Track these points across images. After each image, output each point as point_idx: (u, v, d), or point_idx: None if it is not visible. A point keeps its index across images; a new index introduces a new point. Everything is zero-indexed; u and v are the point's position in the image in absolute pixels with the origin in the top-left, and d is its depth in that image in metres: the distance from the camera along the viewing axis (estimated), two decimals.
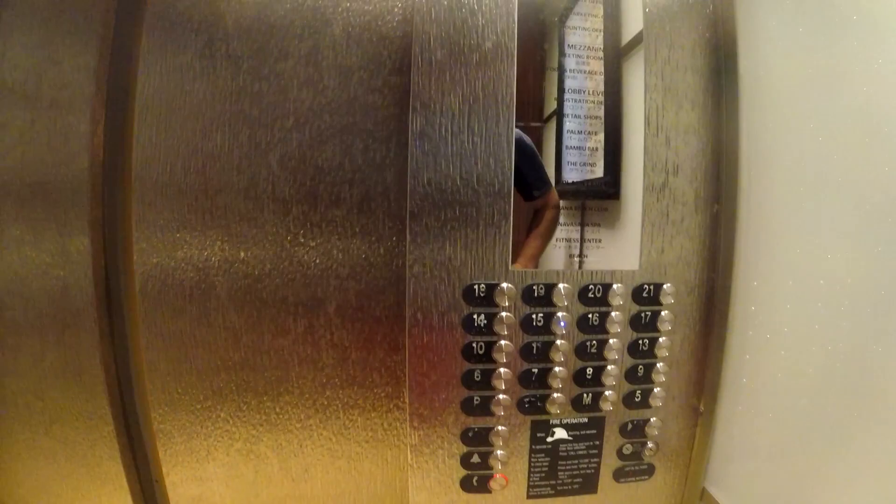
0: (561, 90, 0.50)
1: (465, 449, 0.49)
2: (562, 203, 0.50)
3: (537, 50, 0.49)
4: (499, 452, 0.49)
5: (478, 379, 0.47)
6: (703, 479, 0.54)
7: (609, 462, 0.51)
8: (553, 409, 0.48)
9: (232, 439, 0.51)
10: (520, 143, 0.46)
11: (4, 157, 0.46)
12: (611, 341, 0.48)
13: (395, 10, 0.47)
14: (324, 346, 0.49)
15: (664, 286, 0.48)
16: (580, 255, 0.51)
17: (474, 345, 0.47)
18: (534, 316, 0.47)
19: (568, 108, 0.50)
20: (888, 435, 0.35)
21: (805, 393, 0.42)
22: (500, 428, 0.48)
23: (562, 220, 0.50)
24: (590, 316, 0.47)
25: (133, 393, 0.50)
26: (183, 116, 0.46)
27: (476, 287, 0.46)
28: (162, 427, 0.50)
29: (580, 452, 0.50)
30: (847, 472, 0.38)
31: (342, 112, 0.47)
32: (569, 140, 0.50)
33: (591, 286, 0.47)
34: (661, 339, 0.49)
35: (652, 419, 0.50)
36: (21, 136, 0.46)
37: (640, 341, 0.49)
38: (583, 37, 0.50)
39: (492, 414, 0.48)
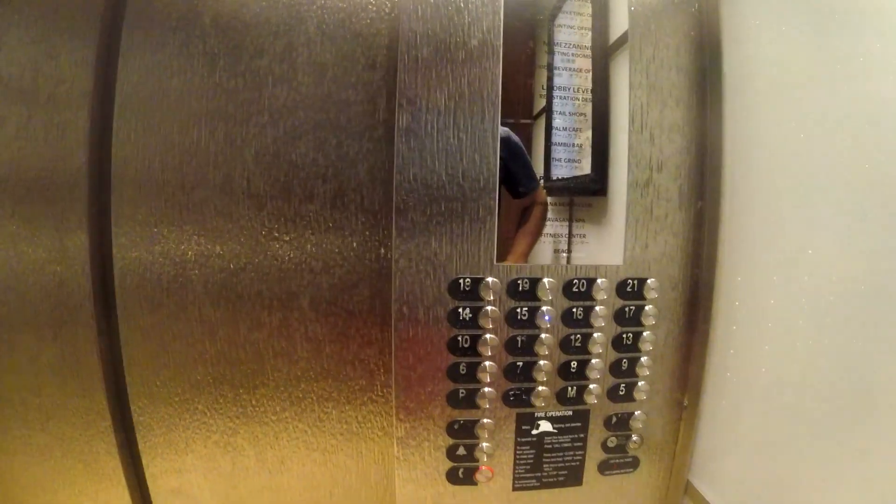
0: (549, 87, 0.50)
1: (450, 441, 0.50)
2: (549, 199, 0.51)
3: (526, 47, 0.50)
4: (484, 445, 0.50)
5: (463, 372, 0.48)
6: (687, 472, 0.54)
7: (594, 455, 0.52)
8: (538, 402, 0.49)
9: (210, 431, 0.51)
10: (507, 142, 0.47)
11: (0, 153, 0.46)
12: (595, 335, 0.48)
13: (370, 6, 0.48)
14: (298, 340, 0.50)
15: (648, 281, 0.49)
16: (567, 251, 0.51)
17: (460, 338, 0.47)
18: (519, 310, 0.48)
19: (556, 105, 0.50)
20: (872, 429, 0.35)
21: (789, 387, 0.43)
22: (485, 420, 0.49)
23: (549, 216, 0.51)
24: (574, 310, 0.48)
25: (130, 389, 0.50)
26: (161, 113, 0.47)
27: (461, 281, 0.47)
28: (141, 420, 0.50)
29: (565, 445, 0.51)
30: (830, 466, 0.39)
31: (316, 108, 0.48)
32: (556, 137, 0.51)
33: (575, 281, 0.48)
34: (645, 334, 0.49)
35: (636, 412, 0.51)
36: (17, 131, 0.46)
37: (625, 335, 0.49)
38: (571, 35, 0.50)
39: (477, 407, 0.49)
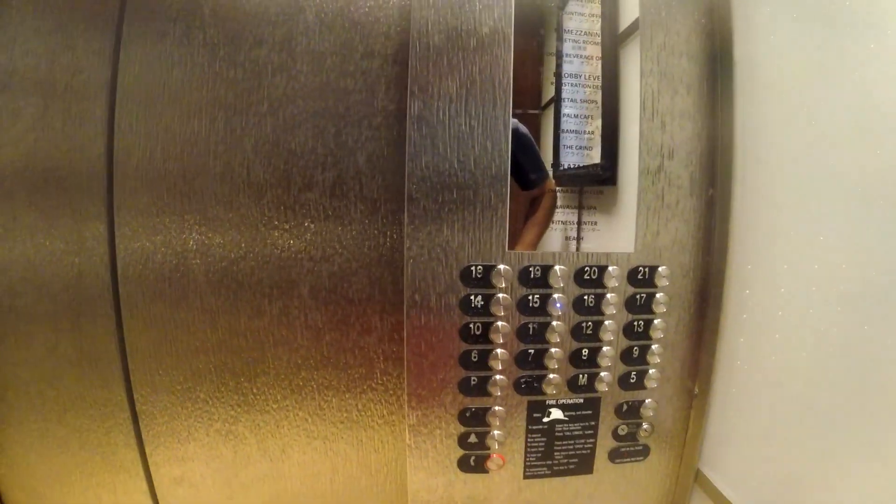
0: (559, 75, 0.50)
1: (462, 429, 0.50)
2: (559, 187, 0.51)
3: (536, 35, 0.50)
4: (496, 433, 0.50)
5: (475, 360, 0.48)
6: (697, 460, 0.54)
7: (604, 443, 0.52)
8: (549, 390, 0.49)
9: (211, 420, 0.52)
10: (516, 133, 0.47)
11: (17, 144, 0.46)
12: (606, 322, 0.48)
13: None
14: (298, 328, 0.50)
15: (659, 268, 0.49)
16: (577, 238, 0.51)
17: (471, 326, 0.47)
18: (530, 297, 0.48)
19: (566, 92, 0.50)
20: (881, 418, 0.35)
21: (799, 376, 0.42)
22: (496, 408, 0.49)
23: (559, 203, 0.51)
24: (585, 297, 0.48)
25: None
26: (162, 103, 0.47)
27: (473, 269, 0.47)
28: (144, 408, 0.51)
29: (576, 433, 0.51)
30: (840, 455, 0.39)
31: (315, 97, 0.48)
32: (566, 124, 0.51)
33: (586, 268, 0.48)
34: (655, 321, 0.49)
35: (647, 400, 0.51)
36: (34, 122, 0.46)
37: (636, 323, 0.49)
38: (581, 22, 0.50)
39: (489, 394, 0.49)
